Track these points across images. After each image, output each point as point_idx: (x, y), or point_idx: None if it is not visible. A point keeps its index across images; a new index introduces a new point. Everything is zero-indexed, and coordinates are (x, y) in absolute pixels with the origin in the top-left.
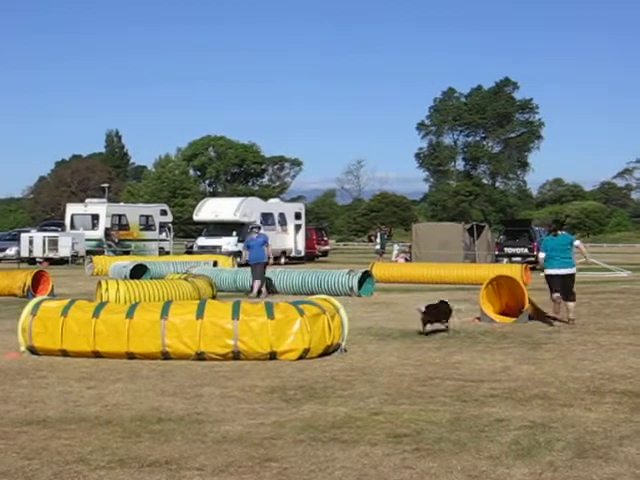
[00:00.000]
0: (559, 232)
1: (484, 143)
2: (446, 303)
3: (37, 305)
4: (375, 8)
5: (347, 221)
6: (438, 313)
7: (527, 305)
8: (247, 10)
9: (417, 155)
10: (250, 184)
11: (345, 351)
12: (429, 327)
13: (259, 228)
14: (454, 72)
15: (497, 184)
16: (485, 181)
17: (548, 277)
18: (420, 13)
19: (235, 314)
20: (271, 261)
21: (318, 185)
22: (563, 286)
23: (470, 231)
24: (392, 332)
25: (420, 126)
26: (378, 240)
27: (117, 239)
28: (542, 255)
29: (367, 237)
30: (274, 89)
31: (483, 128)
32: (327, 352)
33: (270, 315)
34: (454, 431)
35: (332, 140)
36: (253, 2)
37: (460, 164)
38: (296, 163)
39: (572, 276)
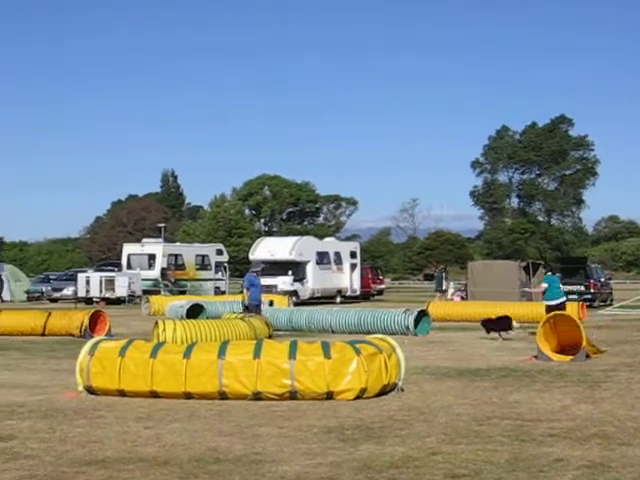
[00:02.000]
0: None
1: (539, 180)
2: (509, 318)
3: (95, 345)
4: (427, 42)
5: (402, 259)
6: (502, 324)
7: (584, 343)
8: (298, 49)
9: (472, 193)
10: (305, 223)
11: (402, 390)
12: (493, 334)
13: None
14: (508, 108)
15: (552, 221)
16: (540, 218)
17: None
18: (472, 49)
19: (292, 354)
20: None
21: (373, 224)
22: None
23: (526, 269)
24: (448, 371)
25: (475, 164)
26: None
27: (173, 279)
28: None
29: (425, 274)
30: (328, 127)
31: (538, 165)
32: (384, 391)
33: (327, 355)
34: (512, 471)
35: (387, 178)
36: (301, 41)
37: (515, 201)
38: (351, 202)
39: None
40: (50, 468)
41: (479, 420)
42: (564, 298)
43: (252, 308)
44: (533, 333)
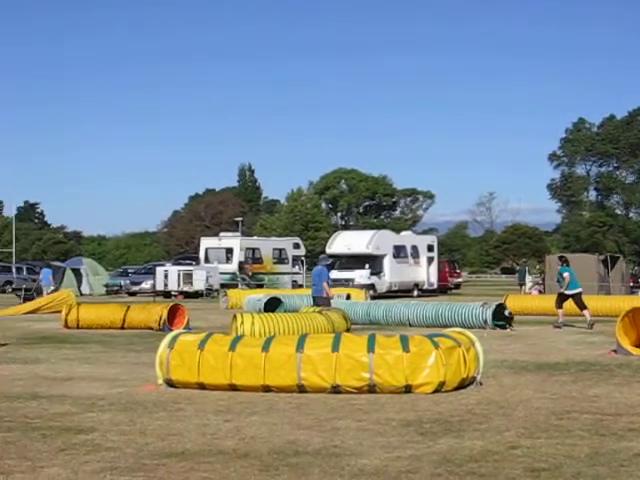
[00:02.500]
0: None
1: (617, 173)
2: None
3: (174, 338)
4: (502, 40)
5: (479, 253)
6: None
7: None
8: (377, 43)
9: (549, 186)
10: (382, 217)
11: (480, 384)
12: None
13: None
14: (586, 101)
15: (631, 214)
16: (618, 212)
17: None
18: (548, 45)
19: (370, 347)
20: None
21: (450, 217)
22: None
23: (604, 262)
24: (527, 365)
25: (552, 157)
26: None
27: (251, 272)
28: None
29: (502, 268)
30: (405, 121)
31: (616, 158)
32: (462, 385)
33: (405, 348)
34: (593, 465)
35: (464, 172)
36: (376, 36)
37: (593, 194)
38: (428, 196)
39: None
40: (131, 460)
41: (558, 414)
42: (580, 289)
43: (320, 301)
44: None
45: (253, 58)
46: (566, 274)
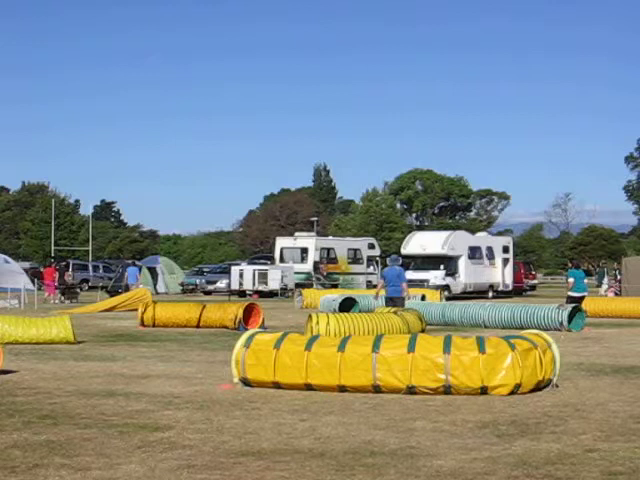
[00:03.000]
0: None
1: None
2: None
3: (250, 337)
4: (581, 41)
5: (554, 255)
6: None
7: None
8: (455, 41)
9: (625, 188)
10: (457, 217)
11: (556, 387)
12: None
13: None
14: None
15: None
16: None
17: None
18: (624, 48)
19: (446, 348)
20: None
21: (525, 218)
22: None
23: None
24: (604, 367)
25: (628, 158)
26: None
27: (326, 272)
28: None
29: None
30: (480, 121)
31: None
32: (538, 388)
33: (482, 350)
34: None
35: (539, 173)
36: (452, 34)
37: None
38: (503, 197)
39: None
40: (208, 458)
41: (636, 417)
42: (586, 292)
43: (398, 302)
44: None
45: (331, 55)
46: (571, 279)
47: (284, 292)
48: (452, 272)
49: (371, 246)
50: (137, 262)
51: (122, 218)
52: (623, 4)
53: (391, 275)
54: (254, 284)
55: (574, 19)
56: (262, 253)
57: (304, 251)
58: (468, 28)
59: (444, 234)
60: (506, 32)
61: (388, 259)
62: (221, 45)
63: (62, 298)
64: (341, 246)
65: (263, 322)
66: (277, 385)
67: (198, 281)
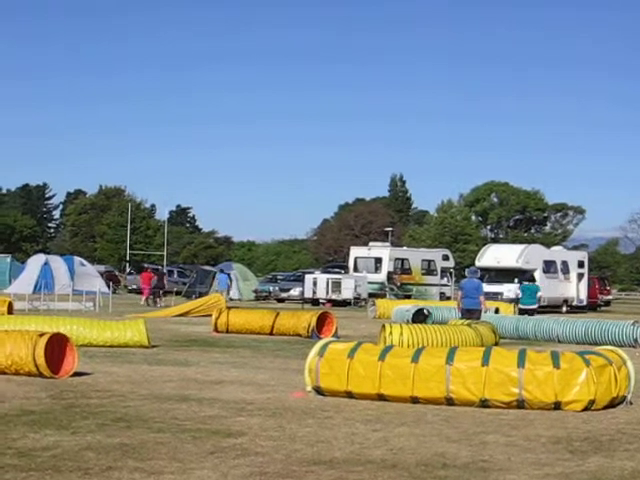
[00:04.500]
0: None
1: None
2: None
3: (324, 346)
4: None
5: (630, 270)
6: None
7: None
8: (537, 55)
9: None
10: (532, 231)
11: (631, 404)
12: None
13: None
14: None
15: None
16: None
17: None
18: None
19: (521, 362)
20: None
21: (601, 233)
22: None
23: None
24: None
25: None
26: None
27: (399, 283)
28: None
29: None
30: (557, 135)
31: None
32: (612, 404)
33: (556, 364)
34: None
35: (616, 188)
36: (531, 49)
37: None
38: (579, 211)
39: None
40: (280, 466)
41: None
42: (535, 306)
43: (474, 314)
44: None
45: (407, 62)
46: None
47: (357, 301)
48: None
49: (445, 257)
50: (219, 268)
51: (197, 224)
52: None
53: (469, 287)
54: (327, 293)
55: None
56: (336, 262)
57: (378, 261)
58: (549, 43)
59: (519, 247)
60: (585, 47)
61: (467, 271)
62: (296, 48)
63: (151, 301)
64: (415, 257)
65: (336, 331)
66: (350, 394)
67: (272, 288)
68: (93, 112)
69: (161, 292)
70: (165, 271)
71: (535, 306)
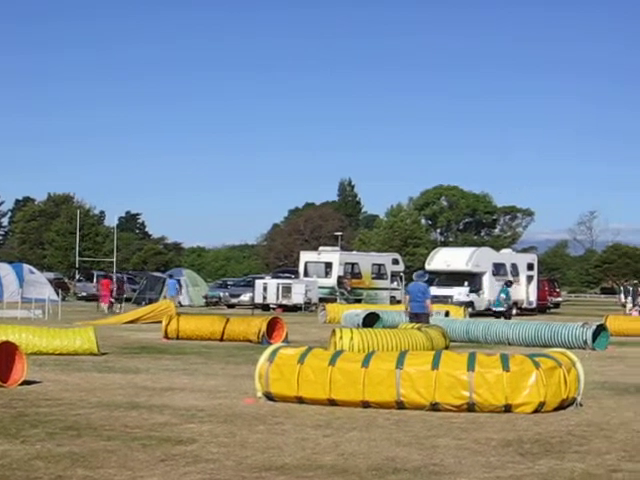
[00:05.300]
0: None
1: None
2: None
3: (274, 352)
4: (607, 64)
5: (579, 272)
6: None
7: None
8: (484, 59)
9: None
10: (482, 234)
11: (580, 405)
12: None
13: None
14: None
15: None
16: None
17: None
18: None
19: (471, 365)
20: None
21: (550, 236)
22: None
23: None
24: (628, 387)
25: None
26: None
27: (349, 287)
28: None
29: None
30: (506, 138)
31: None
32: (562, 406)
33: (506, 367)
34: None
35: (565, 190)
36: (474, 52)
37: None
38: (528, 213)
39: None
40: (230, 472)
41: None
42: (501, 308)
43: (421, 318)
44: None
45: (357, 69)
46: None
47: (308, 306)
48: (476, 289)
49: (395, 261)
50: (167, 274)
51: (147, 230)
52: None
53: (415, 291)
54: (278, 298)
55: (601, 39)
56: (286, 267)
57: (328, 265)
58: (488, 42)
59: (468, 250)
60: (543, 52)
61: (414, 274)
62: (245, 57)
63: (111, 308)
64: (365, 261)
65: (286, 336)
66: (300, 400)
67: (222, 294)
68: (41, 119)
69: (121, 298)
70: (125, 278)
71: (502, 308)
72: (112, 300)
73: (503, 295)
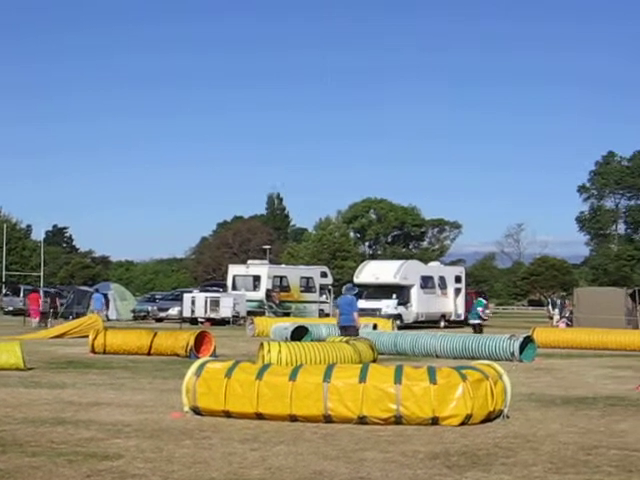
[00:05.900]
0: None
1: None
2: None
3: (201, 366)
4: (532, 71)
5: (507, 285)
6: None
7: None
8: (413, 69)
9: (578, 219)
10: (410, 247)
11: (507, 417)
12: None
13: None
14: (615, 135)
15: None
16: None
17: None
18: (579, 76)
19: (398, 378)
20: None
21: (478, 248)
22: None
23: (632, 296)
24: (554, 399)
25: (581, 189)
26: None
27: (278, 300)
28: None
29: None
30: (433, 151)
31: None
32: (489, 418)
33: (432, 380)
34: None
35: (492, 203)
36: (405, 63)
37: (622, 228)
38: (456, 226)
39: None
40: None
41: (586, 449)
42: (477, 321)
43: (349, 331)
44: None
45: (283, 82)
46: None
47: (236, 320)
48: (404, 301)
49: (324, 274)
50: (93, 288)
51: (74, 244)
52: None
53: (343, 304)
54: (206, 311)
55: (519, 46)
56: (214, 280)
57: (256, 279)
58: (420, 56)
59: (396, 263)
60: (471, 61)
61: (344, 288)
62: (173, 70)
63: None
64: (294, 274)
65: (214, 350)
66: (228, 414)
67: (150, 308)
68: None
69: (53, 313)
70: (55, 292)
71: (478, 321)
72: (46, 313)
73: (480, 307)
